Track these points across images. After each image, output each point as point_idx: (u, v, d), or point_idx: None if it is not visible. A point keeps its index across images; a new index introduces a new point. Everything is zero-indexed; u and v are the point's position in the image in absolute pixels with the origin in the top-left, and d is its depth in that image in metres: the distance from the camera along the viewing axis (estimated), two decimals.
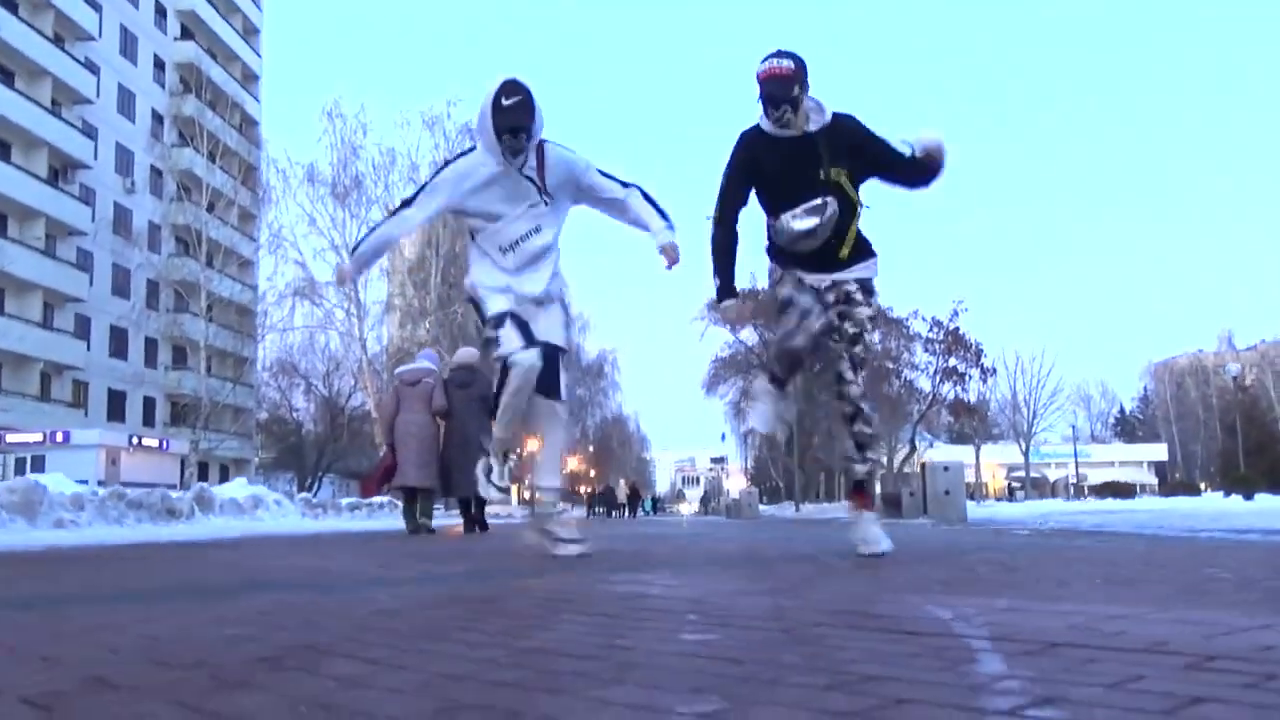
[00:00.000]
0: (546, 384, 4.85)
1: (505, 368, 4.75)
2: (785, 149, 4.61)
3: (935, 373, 40.24)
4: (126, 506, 12.19)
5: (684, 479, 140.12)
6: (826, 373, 4.89)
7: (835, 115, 4.68)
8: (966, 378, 39.77)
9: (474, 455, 5.41)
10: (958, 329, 39.01)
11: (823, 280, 4.69)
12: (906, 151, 4.72)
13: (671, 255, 4.89)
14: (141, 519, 12.40)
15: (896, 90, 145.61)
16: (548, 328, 4.94)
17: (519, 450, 6.23)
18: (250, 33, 58.21)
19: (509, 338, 4.72)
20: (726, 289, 4.85)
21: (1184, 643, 1.71)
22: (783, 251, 4.76)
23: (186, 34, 51.58)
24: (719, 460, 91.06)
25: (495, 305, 4.85)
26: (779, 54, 4.60)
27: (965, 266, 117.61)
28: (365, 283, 39.32)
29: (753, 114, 4.71)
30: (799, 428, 37.02)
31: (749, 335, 42.14)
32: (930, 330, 39.65)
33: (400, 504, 12.29)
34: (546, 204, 4.84)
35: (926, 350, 40.33)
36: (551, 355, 4.89)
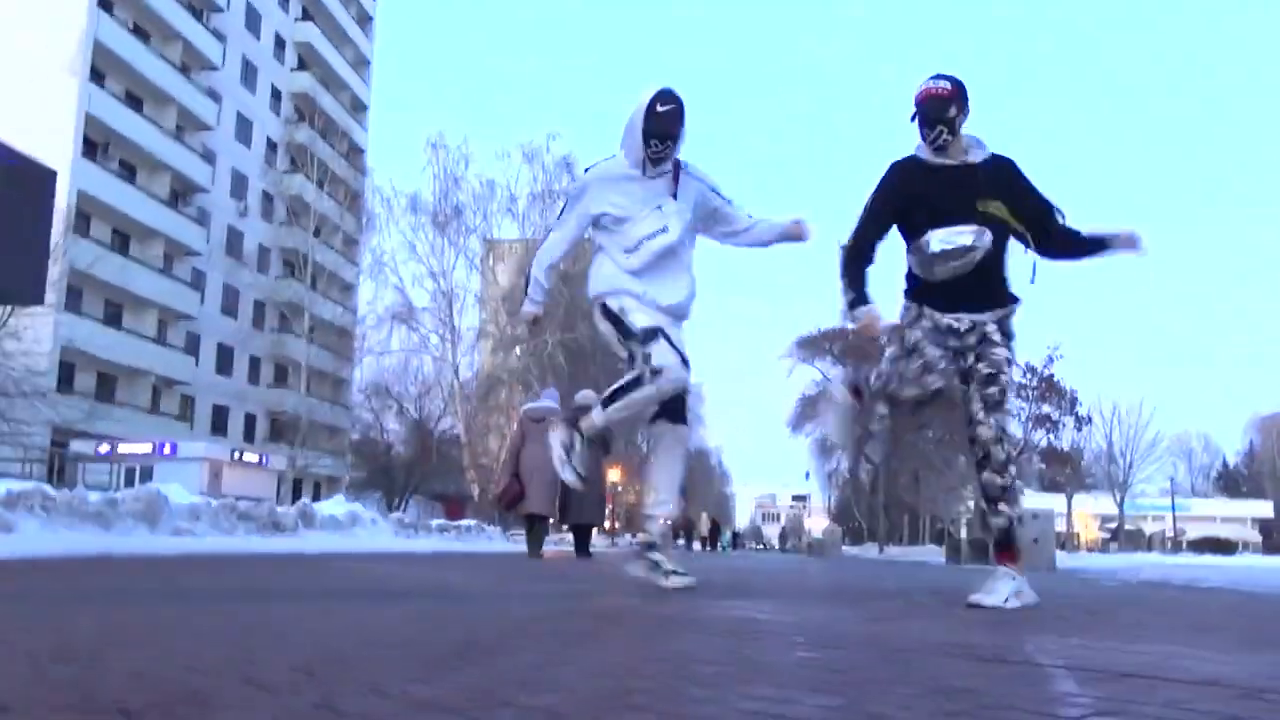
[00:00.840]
0: (673, 407, 4.79)
1: (654, 371, 4.60)
2: (941, 177, 4.51)
3: (1027, 419, 39.67)
4: (237, 518, 12.87)
5: (764, 515, 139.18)
6: (957, 414, 4.76)
7: (995, 154, 4.63)
8: (1060, 425, 39.14)
9: (591, 490, 5.31)
10: (1052, 375, 38.47)
11: (961, 320, 4.53)
12: (1060, 217, 4.64)
13: (802, 230, 5.08)
14: (250, 530, 13.07)
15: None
16: (681, 347, 4.78)
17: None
18: (360, 64, 60.35)
19: (663, 353, 4.60)
20: (860, 296, 4.58)
21: (1239, 678, 1.96)
22: (921, 284, 4.60)
23: (302, 65, 53.74)
24: (801, 498, 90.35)
25: (642, 319, 4.72)
26: (938, 76, 4.54)
27: (1062, 312, 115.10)
28: (460, 310, 40.38)
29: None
30: (885, 469, 36.79)
31: (837, 374, 42.03)
32: (1024, 376, 39.16)
33: (521, 528, 13.12)
34: (674, 202, 4.81)
35: (1019, 396, 39.84)
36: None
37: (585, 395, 11.70)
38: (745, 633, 2.60)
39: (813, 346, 43.54)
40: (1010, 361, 4.60)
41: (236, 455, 38.70)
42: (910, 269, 4.66)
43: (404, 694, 1.52)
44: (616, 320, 4.76)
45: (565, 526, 13.61)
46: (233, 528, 12.35)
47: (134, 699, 1.39)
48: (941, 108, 4.44)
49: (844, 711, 1.53)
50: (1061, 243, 4.64)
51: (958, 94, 4.49)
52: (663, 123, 4.69)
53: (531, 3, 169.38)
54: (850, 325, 4.92)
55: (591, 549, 12.34)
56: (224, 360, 46.50)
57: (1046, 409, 38.88)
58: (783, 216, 5.08)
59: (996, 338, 4.52)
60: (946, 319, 4.52)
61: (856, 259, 4.62)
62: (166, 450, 34.96)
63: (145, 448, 35.15)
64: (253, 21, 49.87)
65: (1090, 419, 42.47)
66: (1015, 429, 4.64)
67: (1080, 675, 1.94)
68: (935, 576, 4.87)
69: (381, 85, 68.38)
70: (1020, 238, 4.59)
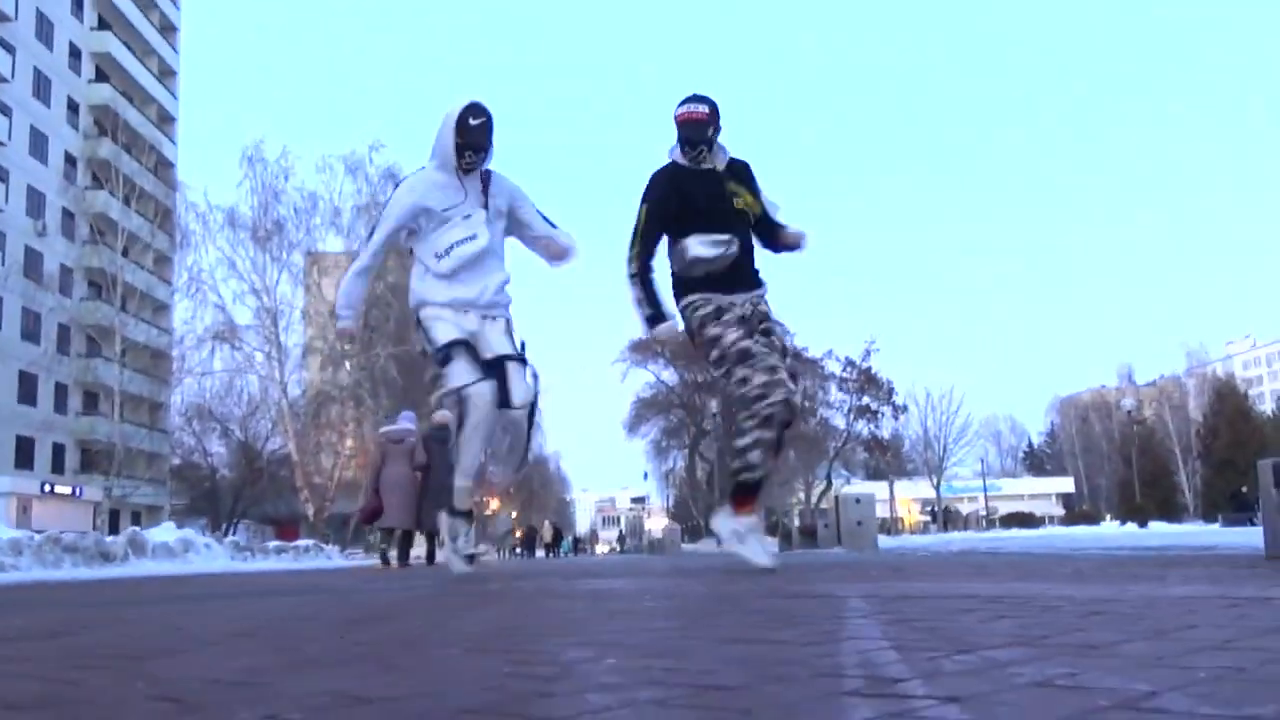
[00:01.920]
0: (500, 396, 5.06)
1: (460, 400, 4.93)
2: (699, 180, 4.97)
3: (849, 411, 41.64)
4: (63, 551, 12.37)
5: (604, 519, 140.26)
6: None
7: (733, 158, 5.12)
8: (879, 415, 41.22)
9: (446, 499, 5.58)
10: (869, 368, 40.50)
11: (743, 303, 4.93)
12: (774, 213, 5.21)
13: (563, 250, 5.45)
14: (76, 563, 12.58)
15: (779, 119, 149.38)
16: (496, 339, 5.14)
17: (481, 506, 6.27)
18: (166, 74, 57.89)
19: (459, 371, 4.93)
20: (657, 313, 4.98)
21: (993, 592, 2.42)
22: (688, 277, 4.98)
23: (101, 76, 51.15)
24: (640, 500, 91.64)
25: (442, 333, 5.05)
26: (695, 98, 4.98)
27: (875, 304, 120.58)
28: (286, 326, 39.30)
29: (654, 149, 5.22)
30: (720, 463, 37.89)
31: (670, 376, 43.09)
32: (844, 370, 41.10)
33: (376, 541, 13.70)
34: (485, 212, 5.10)
35: (840, 389, 41.79)
36: (498, 364, 5.08)
37: (444, 414, 12.50)
38: (601, 595, 2.94)
39: (645, 350, 44.37)
40: (785, 332, 5.21)
41: (47, 488, 36.59)
42: (673, 269, 5.08)
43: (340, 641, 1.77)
44: (425, 332, 5.14)
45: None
46: (58, 560, 11.89)
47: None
48: (701, 130, 4.95)
49: (684, 630, 1.89)
50: (778, 239, 5.24)
51: (714, 115, 4.99)
52: (474, 135, 5.00)
53: (344, 8, 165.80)
54: (654, 337, 5.28)
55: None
56: (27, 389, 43.76)
57: (866, 400, 40.87)
58: (565, 235, 5.47)
59: (773, 314, 5.05)
60: (735, 309, 4.91)
61: (645, 280, 5.01)
62: None
63: None
64: (44, 31, 47.15)
65: (906, 407, 44.89)
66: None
67: (871, 600, 2.36)
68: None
69: (190, 96, 65.68)
70: (762, 219, 5.17)
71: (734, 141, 5.19)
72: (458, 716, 1.04)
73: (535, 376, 5.33)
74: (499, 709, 1.06)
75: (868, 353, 40.17)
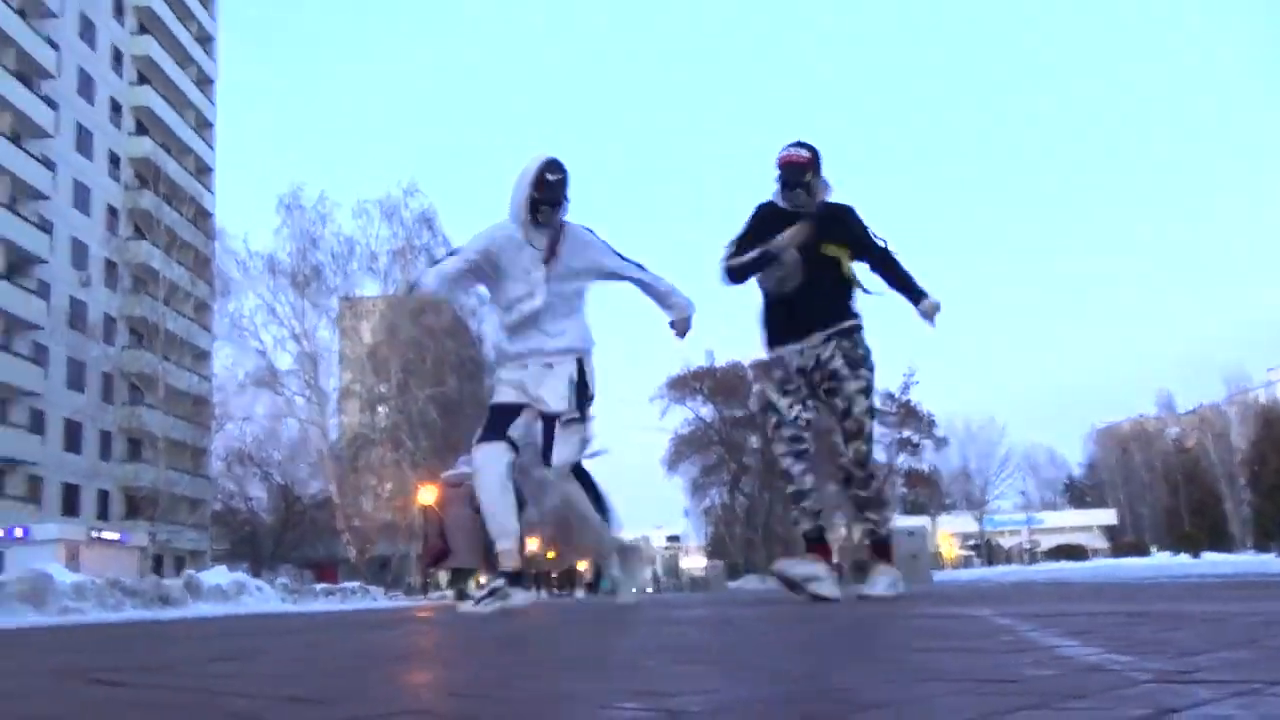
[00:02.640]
0: (543, 449, 5.11)
1: (474, 459, 5.20)
2: (788, 223, 5.15)
3: (890, 444, 41.29)
4: (123, 594, 12.49)
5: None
6: (823, 444, 5.46)
7: (832, 203, 5.31)
8: (920, 447, 40.89)
9: (474, 543, 5.63)
10: (909, 400, 40.23)
11: (806, 358, 5.16)
12: (885, 247, 5.40)
13: (684, 329, 5.45)
14: (136, 605, 12.69)
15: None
16: (553, 395, 5.11)
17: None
18: (203, 126, 59.01)
19: (483, 429, 5.18)
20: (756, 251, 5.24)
21: (1131, 610, 2.41)
22: (770, 324, 5.29)
23: (141, 129, 52.21)
24: (675, 538, 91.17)
25: (497, 394, 5.27)
26: (798, 144, 5.25)
27: (908, 333, 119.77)
28: (326, 370, 39.71)
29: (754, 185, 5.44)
30: (760, 499, 37.71)
31: (708, 412, 43.01)
32: (883, 403, 40.84)
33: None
34: (545, 271, 5.12)
35: (881, 423, 41.48)
36: (548, 420, 5.08)
37: (456, 474, 13.23)
38: (673, 620, 2.94)
39: (683, 386, 44.35)
40: (864, 391, 5.23)
41: (94, 534, 36.96)
42: (763, 309, 5.39)
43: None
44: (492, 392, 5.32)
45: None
46: (119, 604, 12.00)
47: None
48: (800, 173, 5.19)
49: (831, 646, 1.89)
50: (891, 279, 5.39)
51: (814, 160, 5.22)
52: (551, 191, 5.07)
53: (379, 56, 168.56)
54: (780, 248, 5.23)
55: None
56: (72, 437, 44.35)
57: (906, 433, 40.57)
58: (677, 296, 5.45)
59: (843, 370, 5.15)
60: (795, 362, 5.18)
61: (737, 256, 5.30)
62: (18, 534, 33.18)
63: None
64: (85, 87, 48.27)
65: (947, 440, 44.50)
66: (873, 451, 5.37)
67: (1017, 619, 2.35)
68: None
69: (226, 145, 66.92)
70: (854, 278, 5.35)
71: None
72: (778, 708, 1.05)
73: (586, 440, 5.25)
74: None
75: (906, 385, 39.95)
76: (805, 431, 5.23)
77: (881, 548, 5.31)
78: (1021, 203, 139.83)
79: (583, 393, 5.21)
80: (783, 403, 5.18)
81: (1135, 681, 1.17)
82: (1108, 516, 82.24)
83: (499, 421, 5.17)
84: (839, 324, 5.25)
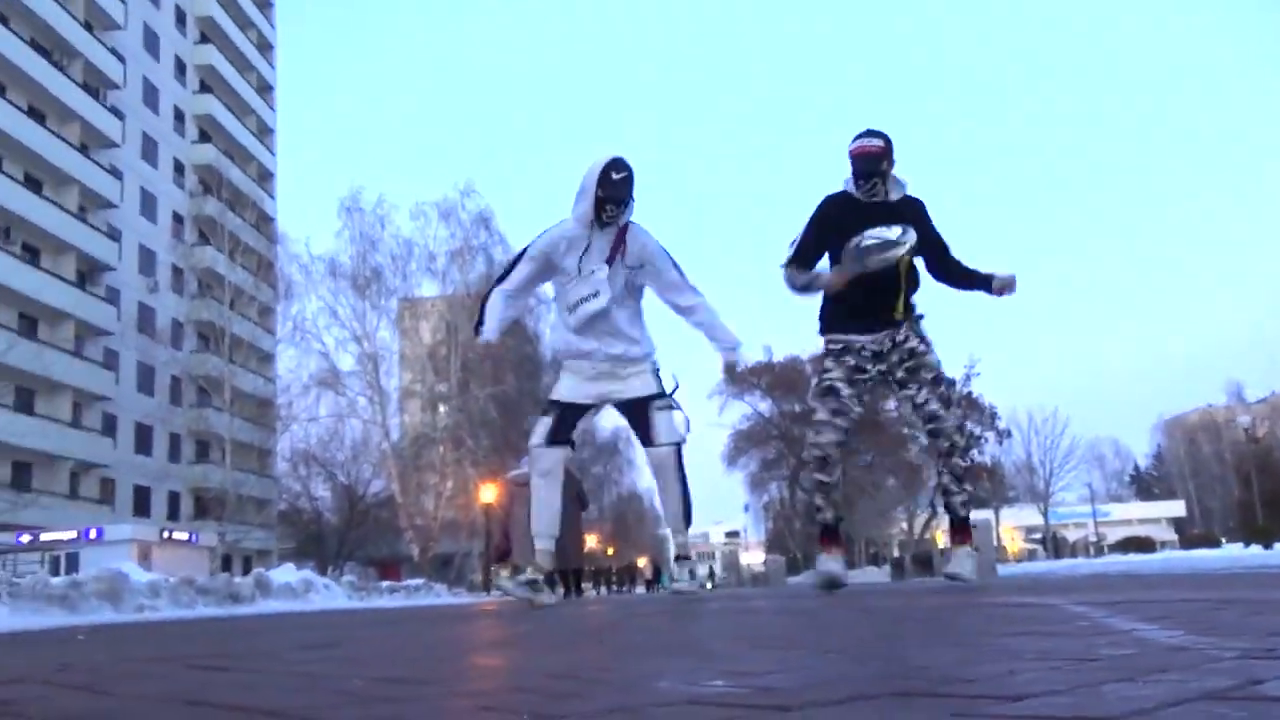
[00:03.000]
0: (643, 435, 5.29)
1: (530, 457, 5.33)
2: (868, 213, 5.14)
3: None
4: (196, 592, 12.80)
5: (697, 554, 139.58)
6: (885, 438, 5.50)
7: (908, 195, 5.30)
8: (983, 440, 40.31)
9: (570, 540, 5.74)
10: (970, 392, 39.67)
11: (881, 342, 5.16)
12: (951, 248, 5.39)
13: (734, 371, 5.55)
14: (209, 603, 13.00)
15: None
16: (637, 382, 5.27)
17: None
18: (265, 132, 60.07)
19: (539, 429, 5.29)
20: (817, 275, 5.28)
21: (1215, 598, 2.40)
22: (834, 311, 5.27)
23: (204, 137, 53.31)
24: (734, 534, 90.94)
25: (559, 388, 5.34)
26: (870, 133, 5.20)
27: (976, 325, 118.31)
28: (387, 371, 40.20)
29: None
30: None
31: (766, 407, 42.85)
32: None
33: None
34: (608, 268, 5.18)
35: None
36: (642, 403, 5.25)
37: (519, 474, 13.53)
38: (742, 610, 2.97)
39: (741, 381, 44.22)
40: (940, 363, 5.29)
41: (165, 535, 37.84)
42: (826, 299, 5.34)
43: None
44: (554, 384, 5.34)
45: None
46: (192, 601, 12.28)
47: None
48: (874, 164, 5.14)
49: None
50: (954, 274, 5.39)
51: (887, 150, 5.17)
52: (616, 189, 5.09)
53: (435, 60, 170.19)
54: (832, 283, 5.31)
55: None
56: (143, 440, 45.49)
57: (968, 425, 40.04)
58: (729, 339, 5.47)
59: (920, 347, 5.17)
60: (870, 347, 5.15)
61: (802, 265, 5.30)
62: (92, 535, 34.07)
63: (70, 534, 34.23)
64: (150, 97, 49.42)
65: (1010, 432, 43.84)
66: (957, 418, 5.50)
67: (1097, 606, 2.36)
68: (896, 587, 5.41)
69: (287, 150, 68.05)
70: (915, 271, 5.35)
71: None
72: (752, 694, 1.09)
73: (686, 421, 5.37)
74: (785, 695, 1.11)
75: (968, 376, 39.39)
76: (852, 427, 5.29)
77: (966, 526, 5.25)
78: (1086, 190, 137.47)
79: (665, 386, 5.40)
80: (847, 392, 5.17)
81: (1218, 659, 1.19)
82: (1176, 509, 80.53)
83: (567, 422, 5.26)
84: (908, 319, 5.30)
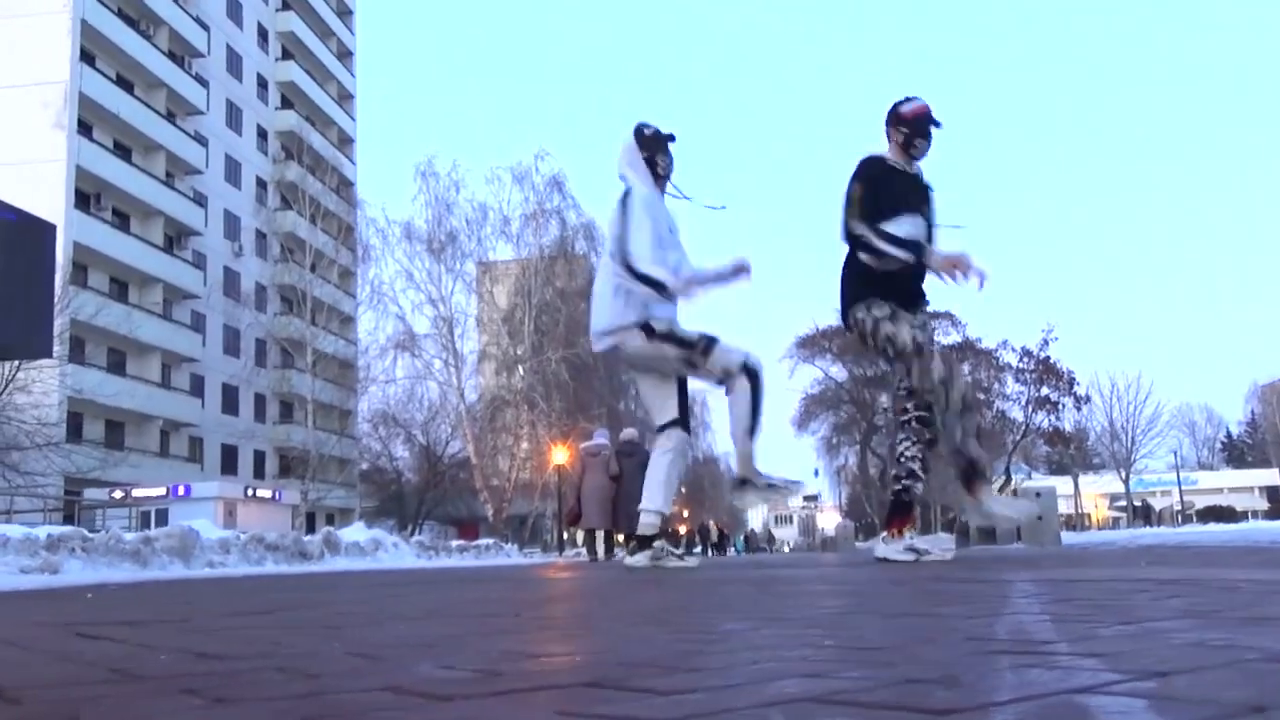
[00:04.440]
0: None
1: (750, 371, 5.09)
2: (906, 180, 5.16)
3: (1027, 403, 40.03)
4: (265, 549, 13.25)
5: (776, 517, 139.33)
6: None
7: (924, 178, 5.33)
8: (1060, 406, 39.49)
9: (636, 505, 5.65)
10: (1048, 357, 38.83)
11: (916, 319, 5.15)
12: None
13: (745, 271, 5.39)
14: (278, 560, 13.45)
15: (978, 105, 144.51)
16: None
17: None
18: (345, 98, 60.90)
19: (729, 346, 5.13)
20: (917, 244, 5.05)
21: (1166, 578, 2.38)
22: (884, 285, 5.12)
23: (286, 104, 54.28)
24: (812, 498, 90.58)
25: (691, 329, 5.23)
26: (914, 98, 5.19)
27: (1055, 291, 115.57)
28: (462, 334, 40.72)
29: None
30: (889, 461, 37.16)
31: (838, 371, 42.52)
32: (1020, 360, 39.57)
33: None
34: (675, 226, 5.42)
35: (1017, 380, 40.22)
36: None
37: (631, 431, 14.95)
38: (769, 580, 3.02)
39: (812, 346, 43.88)
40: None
41: (250, 492, 39.07)
42: (870, 269, 5.12)
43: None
44: (668, 336, 5.14)
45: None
46: (261, 559, 12.72)
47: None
48: (931, 123, 5.14)
49: (856, 602, 1.96)
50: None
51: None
52: (652, 143, 5.34)
53: (507, 24, 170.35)
54: (936, 264, 5.11)
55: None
56: (229, 400, 46.92)
57: (1045, 391, 39.22)
58: (720, 263, 5.42)
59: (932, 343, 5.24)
60: (909, 316, 5.12)
61: (878, 227, 5.03)
62: (181, 492, 35.32)
63: (159, 491, 35.50)
64: (234, 64, 50.43)
65: (1089, 398, 42.79)
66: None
67: (1037, 583, 2.36)
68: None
69: (366, 115, 68.94)
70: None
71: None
72: (618, 669, 1.14)
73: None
74: (658, 663, 1.16)
75: (1045, 341, 38.51)
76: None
77: (899, 512, 5.30)
78: (1177, 144, 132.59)
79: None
80: (923, 338, 5.12)
81: (1000, 667, 1.20)
82: (1269, 477, 77.96)
83: (685, 404, 5.37)
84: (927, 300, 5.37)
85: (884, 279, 5.11)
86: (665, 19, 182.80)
